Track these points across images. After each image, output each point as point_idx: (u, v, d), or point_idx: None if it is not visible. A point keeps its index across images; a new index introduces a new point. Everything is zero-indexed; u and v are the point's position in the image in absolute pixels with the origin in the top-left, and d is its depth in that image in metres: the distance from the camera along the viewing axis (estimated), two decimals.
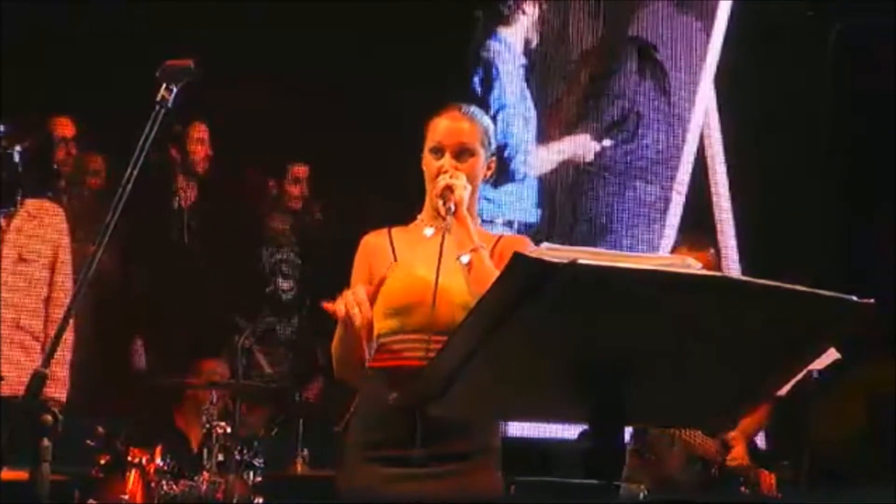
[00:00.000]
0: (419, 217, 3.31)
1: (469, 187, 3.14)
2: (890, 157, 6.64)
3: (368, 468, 3.13)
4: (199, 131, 6.77)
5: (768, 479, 5.14)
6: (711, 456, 5.12)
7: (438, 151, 3.21)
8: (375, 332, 3.19)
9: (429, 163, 3.23)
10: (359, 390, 3.25)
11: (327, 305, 3.03)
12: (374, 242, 3.30)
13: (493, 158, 3.32)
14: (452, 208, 3.07)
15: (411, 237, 3.29)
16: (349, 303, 2.99)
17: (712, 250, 5.04)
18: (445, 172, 3.15)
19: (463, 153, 3.21)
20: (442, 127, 3.23)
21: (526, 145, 7.18)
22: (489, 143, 3.28)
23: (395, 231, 3.32)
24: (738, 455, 5.09)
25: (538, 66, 7.31)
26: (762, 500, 5.13)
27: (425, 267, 3.12)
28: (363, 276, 3.25)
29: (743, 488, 5.11)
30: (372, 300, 3.07)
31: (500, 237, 3.31)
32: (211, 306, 6.63)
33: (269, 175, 7.10)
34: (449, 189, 3.09)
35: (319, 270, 6.69)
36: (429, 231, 3.24)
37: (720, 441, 5.11)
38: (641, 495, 4.78)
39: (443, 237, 3.03)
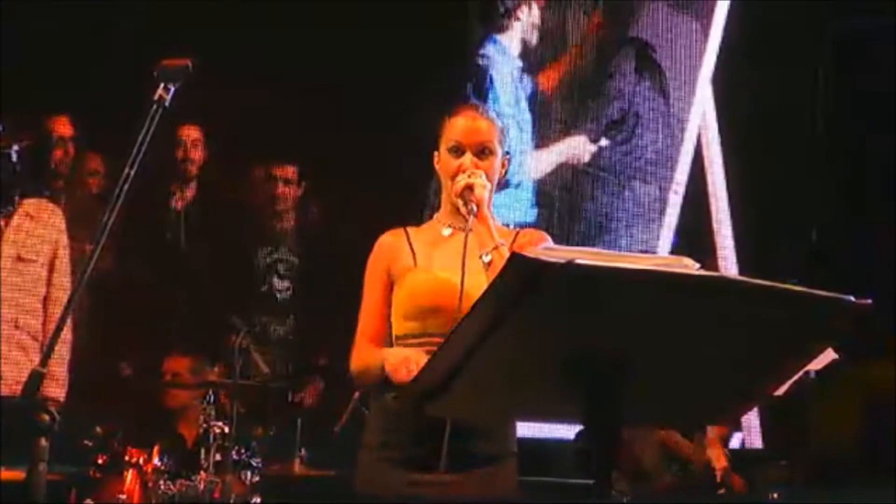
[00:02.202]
0: (436, 217, 3.29)
1: (489, 185, 3.14)
2: (890, 157, 6.64)
3: (388, 470, 3.14)
4: (194, 133, 6.74)
5: (739, 481, 5.39)
6: (686, 455, 5.20)
7: (458, 150, 3.20)
8: (394, 334, 3.19)
9: (447, 162, 3.21)
10: (374, 394, 3.26)
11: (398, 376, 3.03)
12: (391, 242, 3.27)
13: (507, 156, 3.32)
14: (475, 209, 3.06)
15: (429, 237, 3.27)
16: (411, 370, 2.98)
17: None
18: (464, 171, 3.14)
19: (483, 152, 3.20)
20: (460, 126, 3.22)
21: (521, 151, 7.17)
22: (504, 142, 3.29)
23: (412, 231, 3.30)
24: (718, 460, 5.30)
25: (535, 68, 7.30)
26: (767, 502, 5.16)
27: (447, 268, 3.12)
28: (379, 276, 3.24)
29: (722, 490, 5.24)
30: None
31: (518, 231, 3.31)
32: (207, 306, 6.62)
33: (265, 175, 7.09)
34: (469, 189, 3.09)
35: (316, 270, 6.68)
36: (446, 231, 3.23)
37: (695, 441, 5.19)
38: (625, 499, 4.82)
39: (466, 237, 3.01)
